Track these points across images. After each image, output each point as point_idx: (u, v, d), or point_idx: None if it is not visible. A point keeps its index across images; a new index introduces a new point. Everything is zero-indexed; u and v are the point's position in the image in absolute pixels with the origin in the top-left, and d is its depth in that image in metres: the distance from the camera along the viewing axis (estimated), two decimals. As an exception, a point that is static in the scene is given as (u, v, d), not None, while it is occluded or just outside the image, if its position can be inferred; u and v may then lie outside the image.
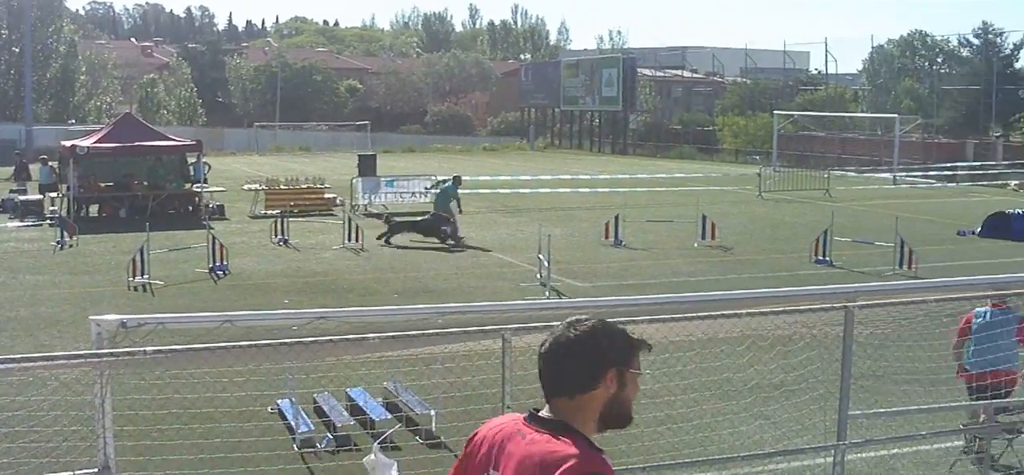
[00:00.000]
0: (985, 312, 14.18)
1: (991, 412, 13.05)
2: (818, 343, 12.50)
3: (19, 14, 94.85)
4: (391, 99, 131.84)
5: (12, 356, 10.70)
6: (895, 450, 12.84)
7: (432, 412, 14.59)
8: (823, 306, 10.31)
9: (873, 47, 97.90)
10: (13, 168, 53.38)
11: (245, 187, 48.34)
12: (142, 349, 8.66)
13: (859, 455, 12.62)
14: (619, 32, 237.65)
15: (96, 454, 9.39)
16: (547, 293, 25.85)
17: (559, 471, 4.43)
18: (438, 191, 38.25)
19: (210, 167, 50.36)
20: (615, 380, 4.70)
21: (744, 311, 9.89)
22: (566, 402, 4.70)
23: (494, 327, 8.96)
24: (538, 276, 27.68)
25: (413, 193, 46.86)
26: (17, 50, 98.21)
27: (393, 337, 9.19)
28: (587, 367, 4.68)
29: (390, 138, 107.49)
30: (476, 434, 4.99)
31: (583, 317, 4.82)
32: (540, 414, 4.75)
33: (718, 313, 10.01)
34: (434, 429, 14.49)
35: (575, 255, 32.82)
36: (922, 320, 12.58)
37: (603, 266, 31.20)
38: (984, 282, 13.27)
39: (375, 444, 10.89)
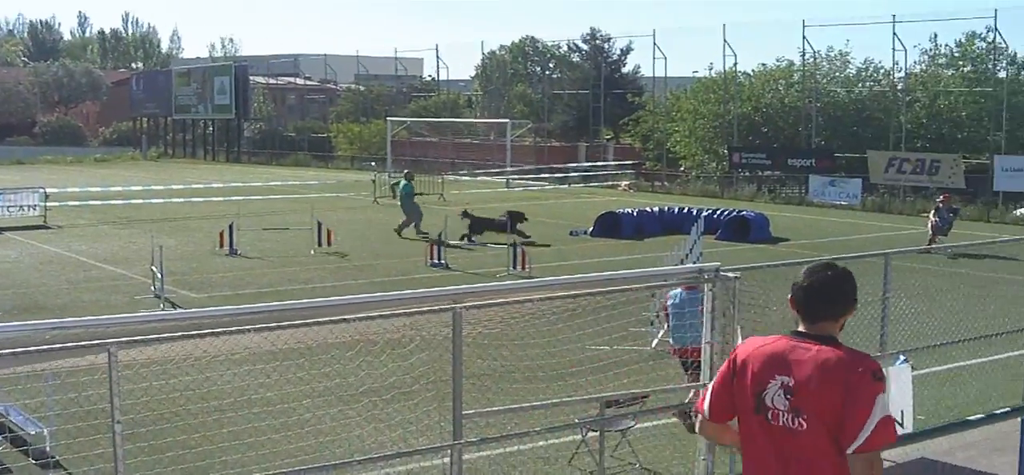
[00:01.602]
0: (677, 294, 15.59)
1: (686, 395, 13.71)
2: (428, 345, 12.71)
3: None
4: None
5: None
6: (513, 447, 13.12)
7: (45, 431, 14.20)
8: (431, 309, 10.47)
9: (485, 54, 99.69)
10: None
11: None
12: None
13: (478, 453, 12.88)
14: (231, 40, 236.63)
15: None
16: (161, 305, 25.46)
17: (862, 365, 6.09)
18: (400, 194, 40.67)
19: None
20: (850, 311, 6.43)
21: (353, 316, 9.97)
22: (823, 323, 6.29)
23: (101, 342, 8.77)
24: (152, 288, 27.23)
25: (21, 207, 45.40)
26: None
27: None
28: (846, 297, 6.38)
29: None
30: (736, 354, 6.55)
31: (832, 261, 6.62)
32: (803, 331, 6.32)
33: (327, 319, 10.07)
34: (48, 449, 14.11)
35: (190, 266, 32.46)
36: (533, 318, 12.93)
37: (219, 276, 30.91)
38: (595, 278, 13.64)
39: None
